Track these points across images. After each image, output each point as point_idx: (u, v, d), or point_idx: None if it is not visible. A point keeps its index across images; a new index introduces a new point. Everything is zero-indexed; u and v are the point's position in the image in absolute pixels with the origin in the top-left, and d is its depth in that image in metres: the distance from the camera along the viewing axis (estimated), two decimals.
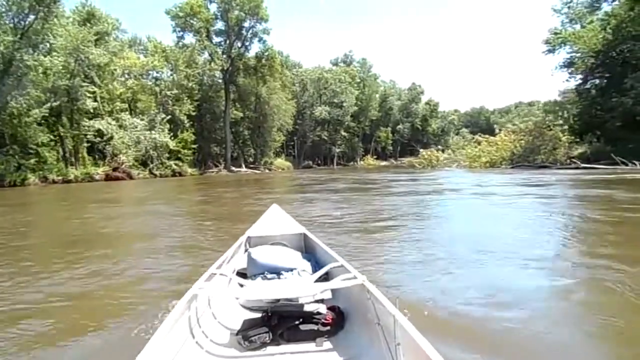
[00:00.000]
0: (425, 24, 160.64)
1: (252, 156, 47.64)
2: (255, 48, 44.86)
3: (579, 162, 22.74)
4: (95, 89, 30.47)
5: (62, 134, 28.93)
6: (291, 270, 3.00)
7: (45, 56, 26.81)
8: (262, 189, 17.64)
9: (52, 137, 28.04)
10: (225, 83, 43.44)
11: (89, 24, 30.70)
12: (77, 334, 2.65)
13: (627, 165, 20.65)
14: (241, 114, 45.63)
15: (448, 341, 2.28)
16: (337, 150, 64.27)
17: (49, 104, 26.14)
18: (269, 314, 2.26)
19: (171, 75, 39.32)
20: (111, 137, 30.97)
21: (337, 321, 2.26)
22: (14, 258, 4.96)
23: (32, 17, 26.36)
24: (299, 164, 56.02)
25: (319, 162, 62.90)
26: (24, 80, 25.32)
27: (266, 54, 44.17)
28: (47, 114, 26.29)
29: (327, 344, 2.12)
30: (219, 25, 43.49)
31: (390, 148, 78.35)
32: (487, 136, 32.34)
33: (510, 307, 2.91)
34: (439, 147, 43.41)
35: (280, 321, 2.20)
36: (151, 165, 33.61)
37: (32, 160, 25.89)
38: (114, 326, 2.74)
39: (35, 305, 3.22)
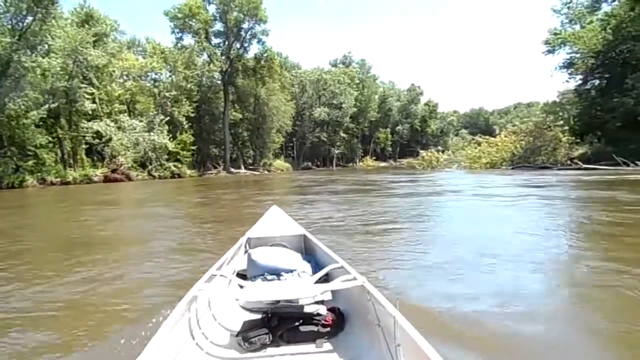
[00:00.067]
0: (425, 24, 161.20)
1: (251, 157, 47.55)
2: (254, 49, 44.97)
3: (580, 163, 22.63)
4: (94, 91, 30.39)
5: (60, 135, 28.83)
6: (291, 271, 2.99)
7: (43, 57, 26.70)
8: (261, 191, 17.54)
9: (50, 138, 27.97)
10: (224, 84, 43.37)
11: (87, 25, 30.59)
12: (72, 344, 2.55)
13: (629, 165, 20.55)
14: (240, 116, 45.56)
15: (453, 346, 2.23)
16: (336, 151, 64.22)
17: (47, 106, 26.01)
18: (269, 315, 2.24)
19: (170, 76, 39.29)
20: (110, 139, 30.89)
21: (337, 322, 2.25)
22: (9, 263, 4.84)
23: (30, 18, 26.33)
24: (298, 165, 55.93)
25: (318, 163, 62.83)
26: (22, 81, 25.26)
27: (265, 55, 44.12)
28: (45, 116, 26.16)
29: (327, 345, 2.11)
30: (218, 26, 43.51)
31: (390, 149, 78.36)
32: (487, 137, 32.26)
33: (520, 313, 2.82)
34: (439, 148, 43.33)
35: (280, 322, 2.19)
36: (150, 167, 33.51)
37: (30, 162, 25.83)
38: (110, 335, 2.63)
39: (29, 314, 3.11)
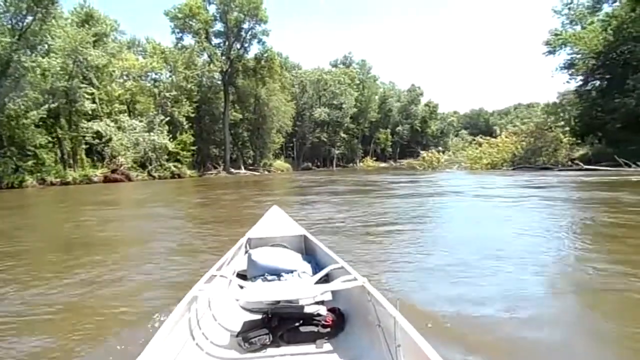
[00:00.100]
0: (425, 24, 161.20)
1: (251, 158, 47.49)
2: (254, 49, 44.84)
3: (581, 164, 22.56)
4: (94, 91, 30.33)
5: (60, 135, 28.77)
6: (291, 271, 2.99)
7: (43, 57, 26.64)
8: (261, 191, 17.49)
9: (50, 138, 27.90)
10: (224, 84, 43.32)
11: (87, 25, 30.52)
12: (68, 348, 2.49)
13: (630, 166, 20.47)
14: (240, 116, 45.51)
15: (454, 347, 2.22)
16: (337, 151, 64.14)
17: (47, 106, 25.95)
18: (269, 316, 2.24)
19: (170, 76, 39.23)
20: (110, 139, 30.82)
21: (338, 323, 2.25)
22: (7, 264, 4.79)
23: (30, 18, 26.26)
24: (298, 165, 55.86)
25: (318, 163, 62.75)
26: (21, 81, 25.20)
27: (265, 55, 44.04)
28: (45, 116, 26.09)
29: (328, 346, 2.11)
30: (218, 26, 43.42)
31: (390, 150, 78.29)
32: (488, 138, 32.22)
33: (523, 317, 2.77)
34: (439, 148, 43.27)
35: (281, 323, 2.19)
36: (150, 167, 33.44)
37: (30, 162, 25.77)
38: (108, 340, 2.57)
39: (25, 317, 3.05)
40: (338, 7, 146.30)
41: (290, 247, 3.50)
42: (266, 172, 44.49)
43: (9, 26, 25.83)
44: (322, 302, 2.57)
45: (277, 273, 2.96)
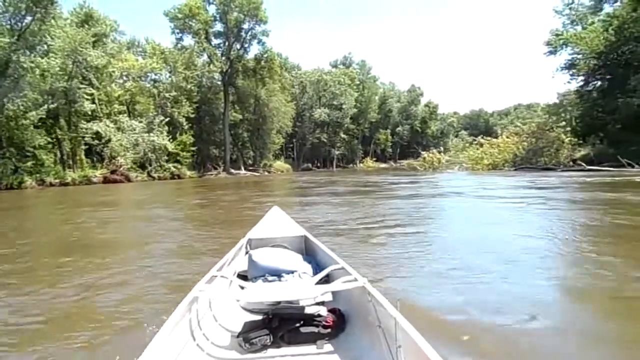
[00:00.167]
0: (425, 24, 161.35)
1: (251, 158, 47.40)
2: (254, 50, 44.68)
3: (583, 165, 22.44)
4: (93, 91, 30.22)
5: (59, 136, 28.67)
6: (292, 272, 3.00)
7: (42, 58, 26.57)
8: (261, 192, 17.40)
9: (49, 139, 27.80)
10: (224, 85, 43.22)
11: (86, 26, 30.40)
12: (62, 357, 2.37)
13: (633, 167, 20.36)
14: (240, 116, 45.42)
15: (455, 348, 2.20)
16: (337, 152, 64.05)
17: (46, 106, 25.85)
18: (270, 316, 2.24)
19: (170, 77, 39.16)
20: (109, 140, 30.70)
21: (338, 323, 2.26)
22: (1, 268, 4.67)
23: (29, 18, 26.18)
24: (298, 166, 55.78)
25: (318, 164, 62.69)
26: (20, 82, 25.09)
27: (265, 55, 43.93)
28: (44, 116, 25.99)
29: (328, 347, 2.12)
30: (218, 27, 43.31)
31: (390, 150, 78.25)
32: (489, 138, 32.10)
33: (527, 321, 2.68)
34: (440, 149, 43.18)
35: (281, 323, 2.20)
36: (149, 168, 33.34)
37: (29, 163, 25.67)
38: (103, 348, 2.46)
39: (18, 326, 2.93)
40: (338, 7, 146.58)
41: (290, 247, 3.49)
42: (266, 173, 44.40)
43: (8, 26, 25.75)
44: (322, 303, 2.58)
45: (277, 274, 2.96)
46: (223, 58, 43.03)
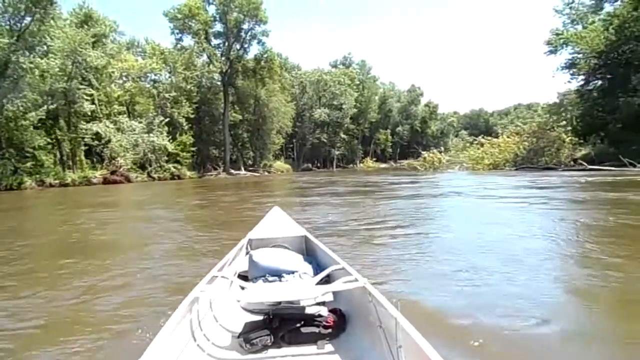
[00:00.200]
0: (425, 24, 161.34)
1: (251, 159, 47.34)
2: (254, 50, 44.65)
3: (585, 164, 22.35)
4: (93, 92, 30.18)
5: (59, 137, 28.64)
6: (292, 272, 3.00)
7: (42, 58, 26.52)
8: (261, 192, 17.34)
9: (49, 140, 27.78)
10: (224, 85, 43.17)
11: (86, 26, 30.37)
12: None
13: (635, 166, 20.26)
14: (240, 117, 45.37)
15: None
16: (337, 152, 64.00)
17: (45, 107, 25.84)
18: (271, 317, 2.24)
19: (169, 77, 39.12)
20: (109, 140, 30.65)
21: (339, 324, 2.25)
22: None
23: (28, 19, 26.16)
24: (298, 166, 55.73)
25: (319, 164, 62.63)
26: (20, 82, 25.07)
27: (265, 56, 43.88)
28: (44, 117, 25.96)
29: (329, 347, 2.12)
30: (218, 27, 43.27)
31: (390, 150, 78.18)
32: (489, 138, 32.01)
33: (529, 323, 2.62)
34: (441, 148, 43.09)
35: (282, 324, 2.20)
36: (149, 169, 33.29)
37: (29, 164, 25.64)
38: (103, 354, 2.40)
39: (13, 331, 2.87)
40: (338, 7, 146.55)
41: (291, 248, 3.49)
42: (266, 173, 44.34)
43: (7, 27, 25.72)
44: (323, 303, 2.59)
45: (278, 274, 2.96)
46: (223, 58, 42.99)
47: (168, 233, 6.94)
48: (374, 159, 70.00)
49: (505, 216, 7.60)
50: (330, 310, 2.35)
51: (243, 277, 3.01)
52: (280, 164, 50.65)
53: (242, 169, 44.03)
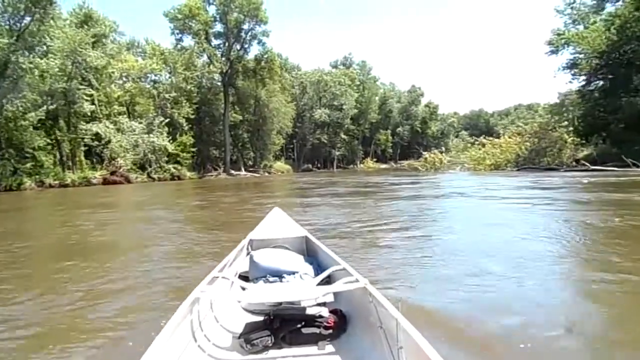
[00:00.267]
0: (425, 24, 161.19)
1: (251, 159, 47.29)
2: (254, 50, 44.61)
3: (587, 165, 22.25)
4: (93, 92, 30.12)
5: (59, 137, 28.59)
6: (293, 273, 3.00)
7: (41, 58, 26.46)
8: (262, 193, 17.28)
9: (48, 140, 27.73)
10: (224, 86, 43.13)
11: (86, 26, 30.33)
12: None
13: (638, 167, 20.16)
14: (240, 117, 45.33)
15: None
16: (337, 153, 63.93)
17: (45, 107, 25.79)
18: (271, 317, 2.24)
19: (170, 78, 39.10)
20: (109, 141, 30.60)
21: (340, 324, 2.25)
22: None
23: (28, 19, 26.11)
24: (298, 167, 55.68)
25: (319, 165, 62.58)
26: (19, 83, 25.00)
27: (265, 56, 43.84)
28: (43, 117, 25.91)
29: (330, 348, 2.11)
30: (218, 27, 43.25)
31: (390, 151, 78.11)
32: (491, 138, 31.92)
33: (531, 324, 2.55)
34: (442, 149, 42.95)
35: (283, 324, 2.19)
36: (149, 169, 33.23)
37: (29, 165, 25.57)
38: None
39: (9, 337, 2.78)
40: (338, 7, 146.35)
41: (291, 248, 3.48)
42: (266, 174, 44.28)
43: (7, 27, 25.66)
44: (324, 304, 2.59)
45: (279, 274, 2.96)
46: (223, 59, 42.95)
47: (168, 234, 6.87)
48: (375, 160, 69.96)
49: (508, 217, 7.51)
50: (331, 311, 2.35)
51: (244, 277, 3.00)
52: (280, 165, 50.61)
53: (243, 169, 43.98)
